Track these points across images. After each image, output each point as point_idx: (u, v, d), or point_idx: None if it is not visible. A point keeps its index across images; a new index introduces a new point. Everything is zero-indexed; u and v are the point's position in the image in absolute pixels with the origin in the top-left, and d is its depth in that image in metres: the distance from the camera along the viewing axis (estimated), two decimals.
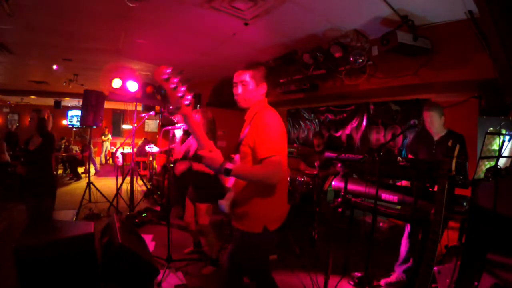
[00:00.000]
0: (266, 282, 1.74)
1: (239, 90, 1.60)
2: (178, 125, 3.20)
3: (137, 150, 8.34)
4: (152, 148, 3.43)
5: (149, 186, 5.91)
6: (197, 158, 2.89)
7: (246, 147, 1.54)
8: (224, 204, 1.48)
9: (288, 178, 3.89)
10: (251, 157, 1.52)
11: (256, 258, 1.65)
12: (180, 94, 1.30)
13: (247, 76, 1.57)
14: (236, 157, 1.59)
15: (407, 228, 2.61)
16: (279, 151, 1.44)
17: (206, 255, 3.02)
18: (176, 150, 3.08)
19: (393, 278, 2.64)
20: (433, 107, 2.63)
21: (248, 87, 1.58)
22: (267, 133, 1.45)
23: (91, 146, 7.47)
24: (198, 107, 5.79)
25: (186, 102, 1.31)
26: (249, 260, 1.65)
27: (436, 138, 2.61)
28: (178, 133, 4.02)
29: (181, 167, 2.90)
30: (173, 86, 1.28)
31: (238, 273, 1.77)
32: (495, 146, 1.98)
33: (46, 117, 3.03)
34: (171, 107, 1.37)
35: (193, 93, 1.38)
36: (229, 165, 1.30)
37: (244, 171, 1.42)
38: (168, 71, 1.26)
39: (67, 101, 9.54)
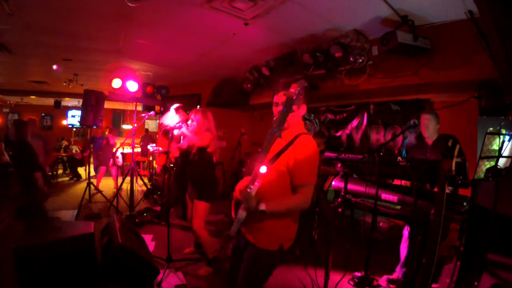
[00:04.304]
0: None
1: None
2: (177, 125, 3.20)
3: (140, 145, 8.31)
4: (156, 148, 3.44)
5: (149, 186, 5.90)
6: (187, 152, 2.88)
7: (282, 165, 1.48)
8: (243, 214, 1.41)
9: None
10: (286, 175, 1.48)
11: (263, 275, 1.59)
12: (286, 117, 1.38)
13: None
14: (263, 168, 1.40)
15: (406, 231, 2.61)
16: (314, 180, 1.49)
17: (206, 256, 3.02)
18: (173, 148, 3.09)
19: (394, 276, 2.65)
20: (432, 112, 2.66)
21: None
22: (307, 162, 1.46)
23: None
24: (198, 107, 5.78)
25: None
26: (255, 276, 1.56)
27: (429, 143, 2.63)
28: (177, 133, 4.01)
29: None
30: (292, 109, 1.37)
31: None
32: (495, 146, 1.98)
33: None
34: (277, 127, 1.39)
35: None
36: (262, 206, 1.37)
37: (277, 208, 1.45)
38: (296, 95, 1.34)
39: (67, 101, 9.54)
